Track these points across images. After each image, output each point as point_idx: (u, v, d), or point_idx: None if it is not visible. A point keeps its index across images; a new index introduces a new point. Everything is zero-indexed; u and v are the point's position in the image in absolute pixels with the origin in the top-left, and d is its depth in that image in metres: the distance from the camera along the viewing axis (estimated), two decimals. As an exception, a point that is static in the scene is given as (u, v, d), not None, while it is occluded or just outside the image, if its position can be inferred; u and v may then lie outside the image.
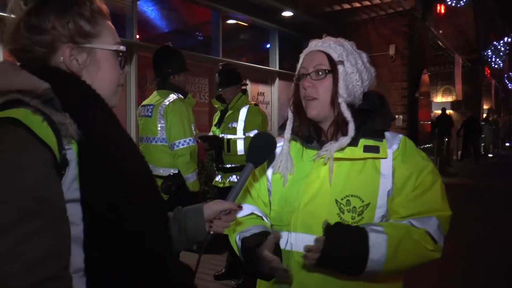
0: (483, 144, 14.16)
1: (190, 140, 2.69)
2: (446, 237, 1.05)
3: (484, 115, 16.78)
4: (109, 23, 0.85)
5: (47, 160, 0.68)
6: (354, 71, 1.09)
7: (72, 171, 0.71)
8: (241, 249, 1.12)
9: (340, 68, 1.08)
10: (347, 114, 1.06)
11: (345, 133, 1.07)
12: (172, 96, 2.72)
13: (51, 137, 0.69)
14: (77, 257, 0.71)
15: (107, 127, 0.78)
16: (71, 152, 0.72)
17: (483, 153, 14.04)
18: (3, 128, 0.67)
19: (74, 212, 0.71)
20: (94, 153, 0.73)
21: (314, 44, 1.14)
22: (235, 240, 1.15)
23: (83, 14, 0.79)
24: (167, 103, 2.69)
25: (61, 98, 0.73)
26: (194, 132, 2.79)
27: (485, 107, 18.12)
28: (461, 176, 9.48)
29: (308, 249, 0.97)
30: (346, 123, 1.07)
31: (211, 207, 0.98)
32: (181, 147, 2.66)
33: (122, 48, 0.86)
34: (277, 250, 1.04)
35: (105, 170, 0.73)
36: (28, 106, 0.69)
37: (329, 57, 1.09)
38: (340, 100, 1.07)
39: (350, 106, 1.09)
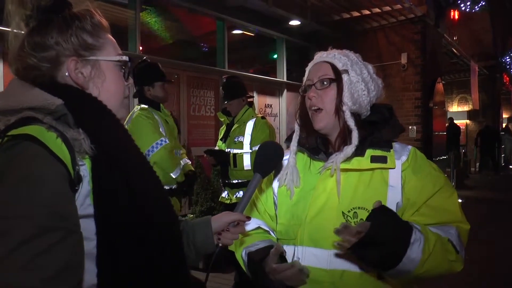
0: (503, 155, 13.66)
1: (161, 140, 2.56)
2: (470, 253, 0.98)
3: (504, 125, 16.23)
4: (110, 36, 0.87)
5: (63, 176, 0.69)
6: (359, 80, 1.09)
7: (85, 187, 0.72)
8: (247, 264, 1.11)
9: (344, 77, 1.09)
10: (351, 122, 1.06)
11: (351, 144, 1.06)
12: (134, 110, 2.67)
13: (65, 154, 0.70)
14: (90, 272, 0.71)
15: (119, 141, 0.79)
16: (85, 168, 0.73)
17: (503, 164, 13.53)
18: (20, 144, 0.68)
19: (87, 227, 0.71)
20: (108, 168, 0.74)
21: (319, 56, 1.16)
22: (241, 255, 1.15)
23: (84, 28, 0.81)
24: (129, 118, 2.64)
25: (73, 114, 0.74)
26: (165, 139, 2.61)
27: (505, 116, 17.55)
28: (480, 189, 9.15)
29: (345, 225, 0.90)
30: (351, 133, 1.06)
31: (219, 219, 0.98)
32: (156, 151, 2.52)
33: (125, 58, 0.87)
34: (282, 262, 1.03)
35: (119, 185, 0.74)
36: (41, 123, 0.71)
37: (334, 67, 1.10)
38: (344, 108, 1.07)
39: (356, 115, 1.09)
